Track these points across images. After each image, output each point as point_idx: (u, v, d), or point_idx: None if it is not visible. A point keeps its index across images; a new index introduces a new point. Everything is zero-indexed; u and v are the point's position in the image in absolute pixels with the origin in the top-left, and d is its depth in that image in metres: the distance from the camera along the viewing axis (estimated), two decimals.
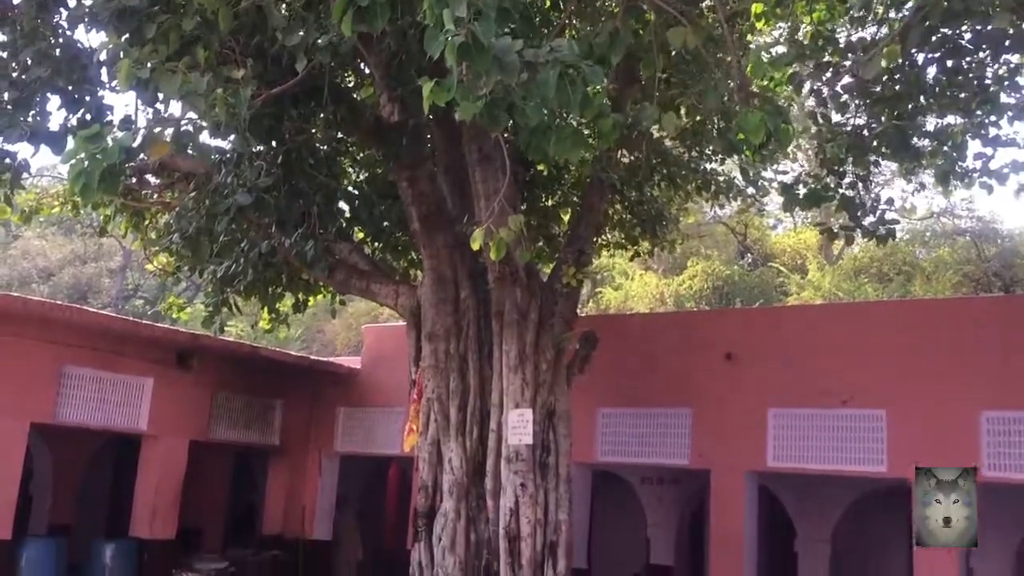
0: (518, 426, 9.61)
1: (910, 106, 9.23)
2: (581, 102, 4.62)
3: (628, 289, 27.68)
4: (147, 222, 12.32)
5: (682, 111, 10.16)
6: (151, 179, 11.81)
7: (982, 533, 12.11)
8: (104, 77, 8.64)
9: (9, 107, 8.41)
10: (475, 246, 5.81)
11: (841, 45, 9.11)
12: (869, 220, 9.02)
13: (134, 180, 11.37)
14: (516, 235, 6.03)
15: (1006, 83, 9.16)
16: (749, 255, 32.29)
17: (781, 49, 8.63)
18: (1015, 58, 9.09)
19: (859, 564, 13.88)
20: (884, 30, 9.24)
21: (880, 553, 13.54)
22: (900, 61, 8.77)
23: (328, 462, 15.54)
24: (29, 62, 8.40)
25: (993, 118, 9.32)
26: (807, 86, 9.40)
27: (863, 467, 11.15)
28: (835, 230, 9.32)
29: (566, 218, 13.07)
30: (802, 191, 9.23)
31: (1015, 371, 10.36)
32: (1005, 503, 11.87)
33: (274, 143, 9.60)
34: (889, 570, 12.79)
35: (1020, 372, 10.33)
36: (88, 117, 8.63)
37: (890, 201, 9.73)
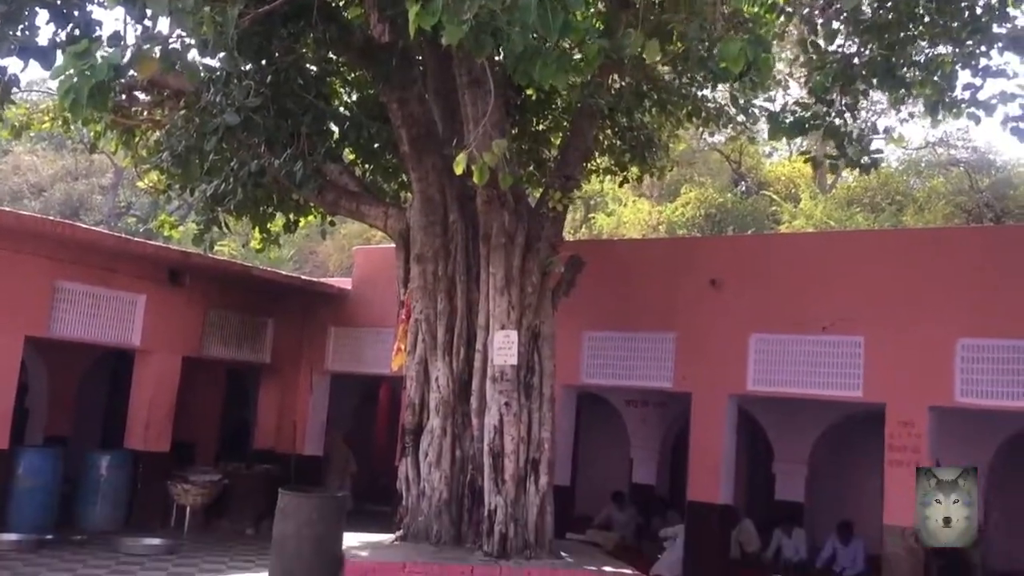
0: (503, 347, 9.81)
1: (901, 35, 9.22)
2: (561, 28, 4.67)
3: (621, 215, 27.76)
4: (137, 139, 12.32)
5: (674, 36, 10.12)
6: (140, 96, 11.79)
7: (953, 455, 12.50)
8: None
9: None
10: (458, 170, 5.90)
11: None
12: (853, 149, 9.07)
13: (123, 97, 11.34)
14: (500, 159, 6.10)
15: (997, 12, 9.14)
16: (743, 183, 32.29)
17: None
18: None
19: (834, 485, 14.29)
20: None
21: (854, 474, 13.93)
22: None
23: (319, 380, 15.82)
24: None
25: (983, 48, 9.32)
26: (801, 13, 9.37)
27: (840, 392, 11.45)
28: (820, 159, 9.39)
29: (557, 142, 13.09)
30: (790, 119, 9.27)
31: (991, 300, 10.57)
32: (976, 428, 12.22)
33: (263, 62, 9.57)
34: (862, 490, 13.16)
35: (996, 301, 10.54)
36: (77, 32, 8.59)
37: (886, 130, 9.78)
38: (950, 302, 10.79)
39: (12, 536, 11.23)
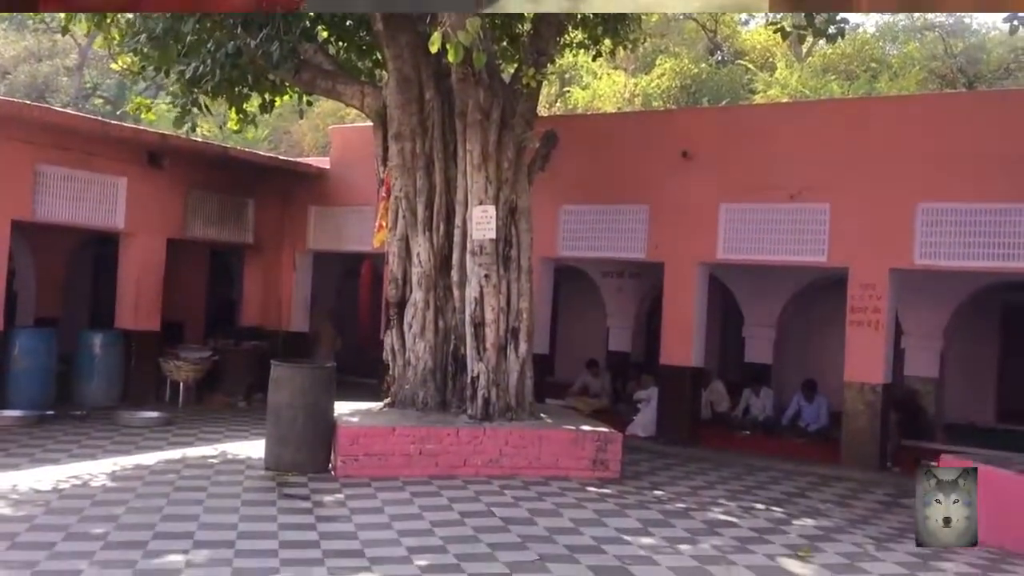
0: (482, 221, 10.15)
1: None
2: None
3: (596, 88, 27.63)
4: (109, 20, 12.20)
5: None
6: None
7: (914, 315, 13.13)
8: None
9: None
10: (433, 49, 6.08)
11: None
12: (820, 19, 9.23)
13: None
14: (474, 37, 6.28)
15: None
16: (718, 52, 32.05)
17: None
18: None
19: (800, 346, 14.96)
20: None
21: (819, 336, 14.58)
22: None
23: (301, 259, 16.16)
24: None
25: None
26: None
27: (806, 257, 11.90)
28: (788, 29, 9.56)
29: (530, 16, 13.04)
30: None
31: (950, 165, 10.92)
32: (934, 288, 12.79)
33: None
34: (826, 351, 13.80)
35: (954, 166, 10.89)
36: None
37: None
38: (911, 168, 11.13)
39: (14, 412, 11.67)
